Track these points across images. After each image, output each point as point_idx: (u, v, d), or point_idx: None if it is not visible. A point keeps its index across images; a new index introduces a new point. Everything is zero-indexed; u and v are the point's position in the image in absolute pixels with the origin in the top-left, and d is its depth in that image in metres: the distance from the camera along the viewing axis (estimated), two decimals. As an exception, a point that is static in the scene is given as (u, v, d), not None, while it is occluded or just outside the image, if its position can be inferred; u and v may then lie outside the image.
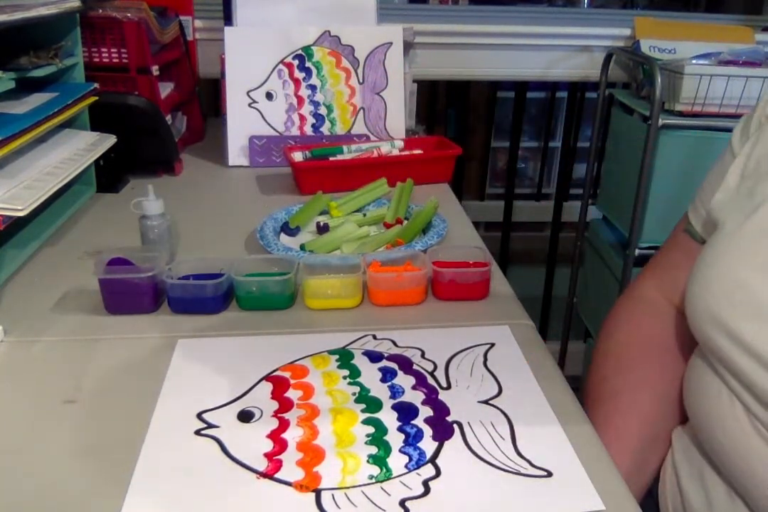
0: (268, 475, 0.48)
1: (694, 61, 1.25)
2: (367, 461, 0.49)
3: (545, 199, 1.95)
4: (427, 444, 0.51)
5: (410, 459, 0.49)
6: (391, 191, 0.96)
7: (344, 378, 0.59)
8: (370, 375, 0.59)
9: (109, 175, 1.03)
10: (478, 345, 0.64)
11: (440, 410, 0.55)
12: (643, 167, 1.24)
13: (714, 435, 0.55)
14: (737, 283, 0.53)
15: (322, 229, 0.88)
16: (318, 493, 0.46)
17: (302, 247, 0.82)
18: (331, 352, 0.63)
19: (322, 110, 1.17)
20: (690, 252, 0.67)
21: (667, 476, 0.64)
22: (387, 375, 0.59)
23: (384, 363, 0.61)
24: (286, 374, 0.59)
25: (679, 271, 0.69)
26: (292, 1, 1.17)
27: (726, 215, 0.59)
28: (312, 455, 0.50)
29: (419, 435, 0.52)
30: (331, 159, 1.07)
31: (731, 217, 0.58)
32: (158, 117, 1.04)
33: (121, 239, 0.85)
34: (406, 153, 1.11)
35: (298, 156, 1.06)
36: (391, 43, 1.16)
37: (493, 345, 0.64)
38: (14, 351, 0.63)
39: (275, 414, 0.54)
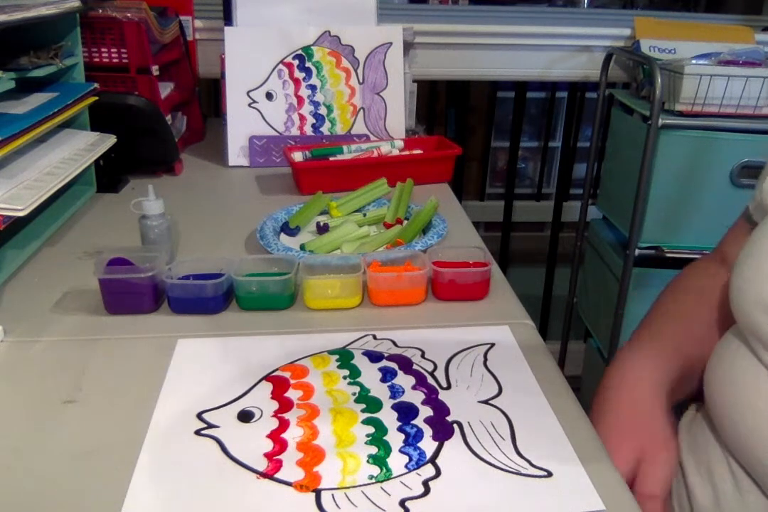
0: (268, 475, 0.48)
1: (694, 61, 1.25)
2: (367, 461, 0.49)
3: (545, 199, 1.95)
4: (427, 444, 0.51)
5: (410, 459, 0.49)
6: (391, 191, 0.96)
7: (344, 378, 0.59)
8: (370, 375, 0.59)
9: (109, 175, 1.03)
10: (478, 345, 0.64)
11: (440, 410, 0.55)
12: (643, 167, 1.24)
13: (743, 420, 0.54)
14: None
15: (322, 229, 0.88)
16: (318, 493, 0.46)
17: (302, 247, 0.82)
18: (331, 352, 0.63)
19: (322, 110, 1.17)
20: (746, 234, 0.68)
21: None
22: (387, 375, 0.59)
23: (384, 363, 0.61)
24: (286, 374, 0.59)
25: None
26: (292, 1, 1.17)
27: None
28: (312, 455, 0.50)
29: (419, 435, 0.52)
30: (331, 159, 1.07)
31: None
32: (158, 117, 1.04)
33: (121, 239, 0.85)
34: (406, 153, 1.11)
35: (298, 156, 1.06)
36: (391, 43, 1.16)
37: (493, 345, 0.64)
38: (14, 351, 0.63)
39: (275, 414, 0.54)
